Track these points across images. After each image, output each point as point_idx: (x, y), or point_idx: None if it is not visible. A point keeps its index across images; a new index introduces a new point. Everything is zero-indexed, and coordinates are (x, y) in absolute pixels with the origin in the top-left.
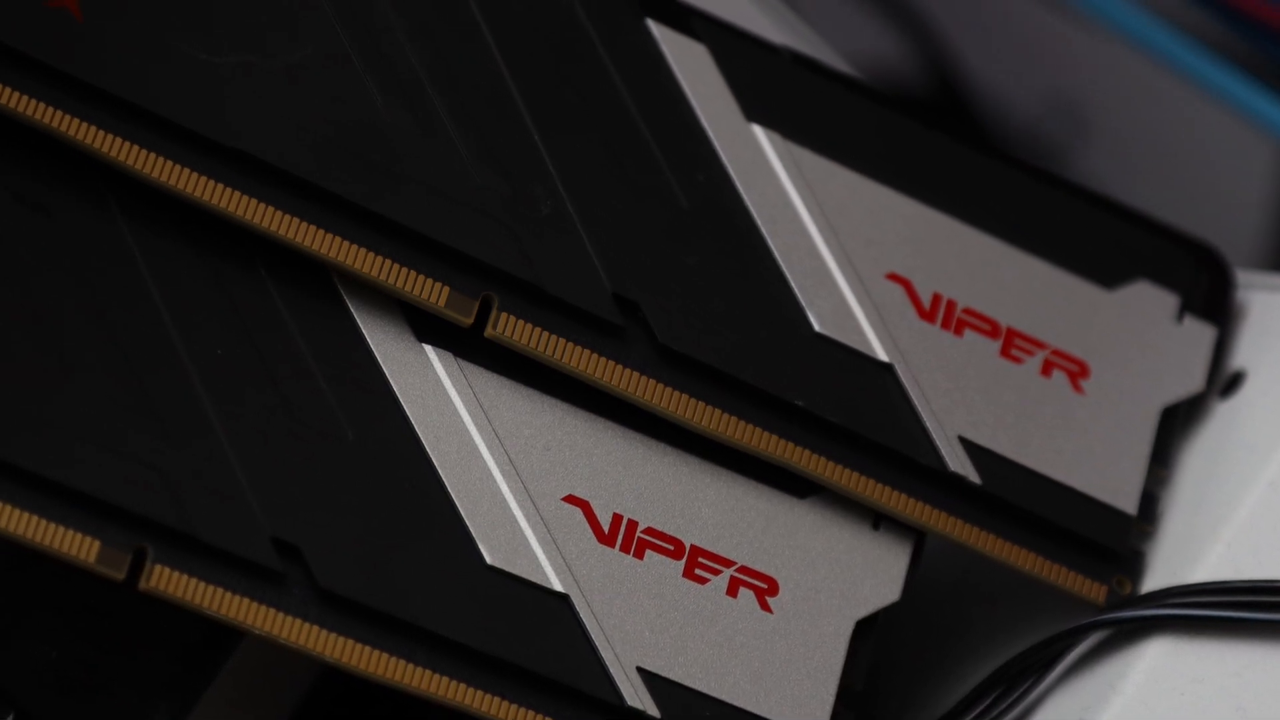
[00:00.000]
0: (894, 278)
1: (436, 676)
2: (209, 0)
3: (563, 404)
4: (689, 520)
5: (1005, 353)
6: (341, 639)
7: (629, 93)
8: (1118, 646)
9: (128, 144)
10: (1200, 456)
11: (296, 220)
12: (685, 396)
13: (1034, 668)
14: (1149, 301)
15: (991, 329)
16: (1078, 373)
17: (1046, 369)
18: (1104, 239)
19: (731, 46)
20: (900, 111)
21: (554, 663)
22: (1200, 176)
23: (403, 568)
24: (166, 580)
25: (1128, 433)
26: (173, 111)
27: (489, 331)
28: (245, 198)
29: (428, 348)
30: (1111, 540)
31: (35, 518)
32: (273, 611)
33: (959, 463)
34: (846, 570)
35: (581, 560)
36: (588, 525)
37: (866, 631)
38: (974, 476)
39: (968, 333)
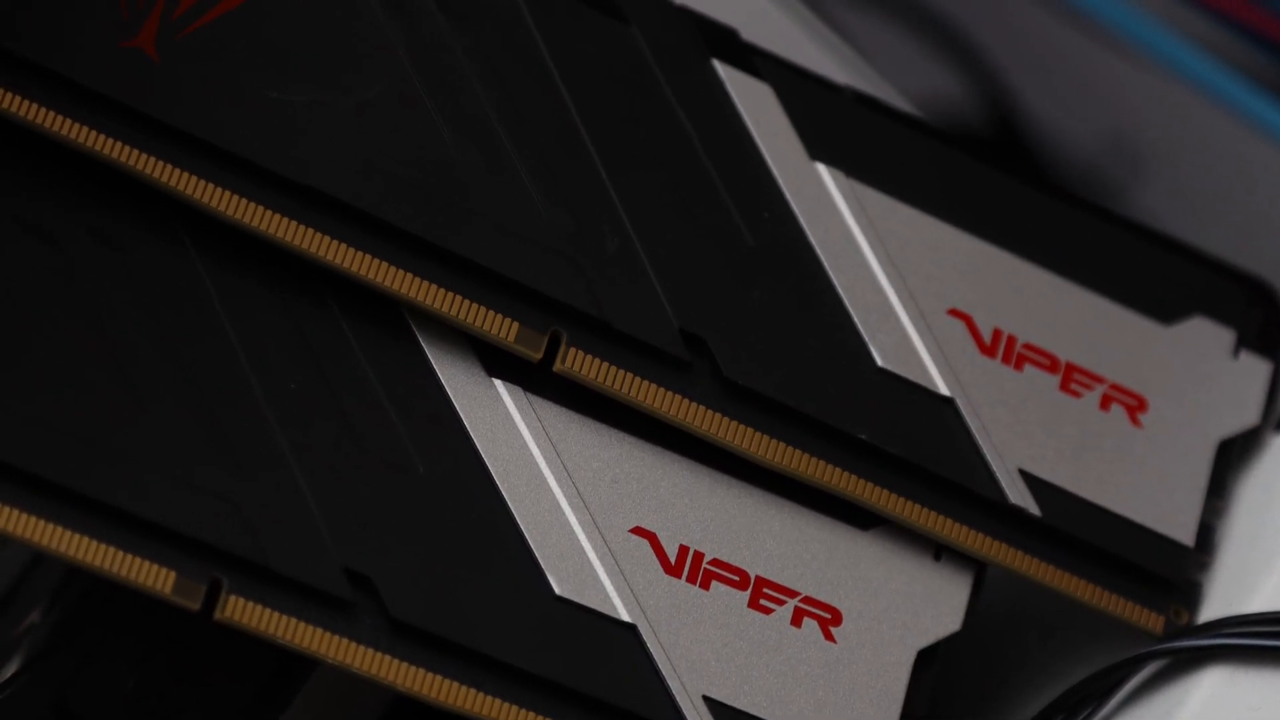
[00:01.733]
0: (955, 313)
1: (506, 705)
2: (282, 40)
3: (630, 437)
4: (754, 551)
5: (1064, 387)
6: (412, 668)
7: (695, 131)
8: (1175, 675)
9: (201, 181)
10: (1256, 489)
11: (368, 256)
12: (750, 430)
13: (1093, 696)
14: (1205, 336)
15: (1051, 364)
16: (1135, 407)
17: (1105, 403)
18: (1161, 275)
19: (795, 86)
20: (961, 149)
21: (621, 691)
22: (1256, 213)
23: (472, 598)
24: (241, 610)
25: (1184, 465)
26: (245, 149)
27: (557, 366)
28: (317, 234)
29: (497, 382)
30: (1169, 571)
31: (112, 549)
32: (345, 641)
33: (1019, 495)
34: (909, 600)
35: (648, 591)
36: (654, 556)
37: (928, 661)
38: (1034, 509)
39: (1028, 367)
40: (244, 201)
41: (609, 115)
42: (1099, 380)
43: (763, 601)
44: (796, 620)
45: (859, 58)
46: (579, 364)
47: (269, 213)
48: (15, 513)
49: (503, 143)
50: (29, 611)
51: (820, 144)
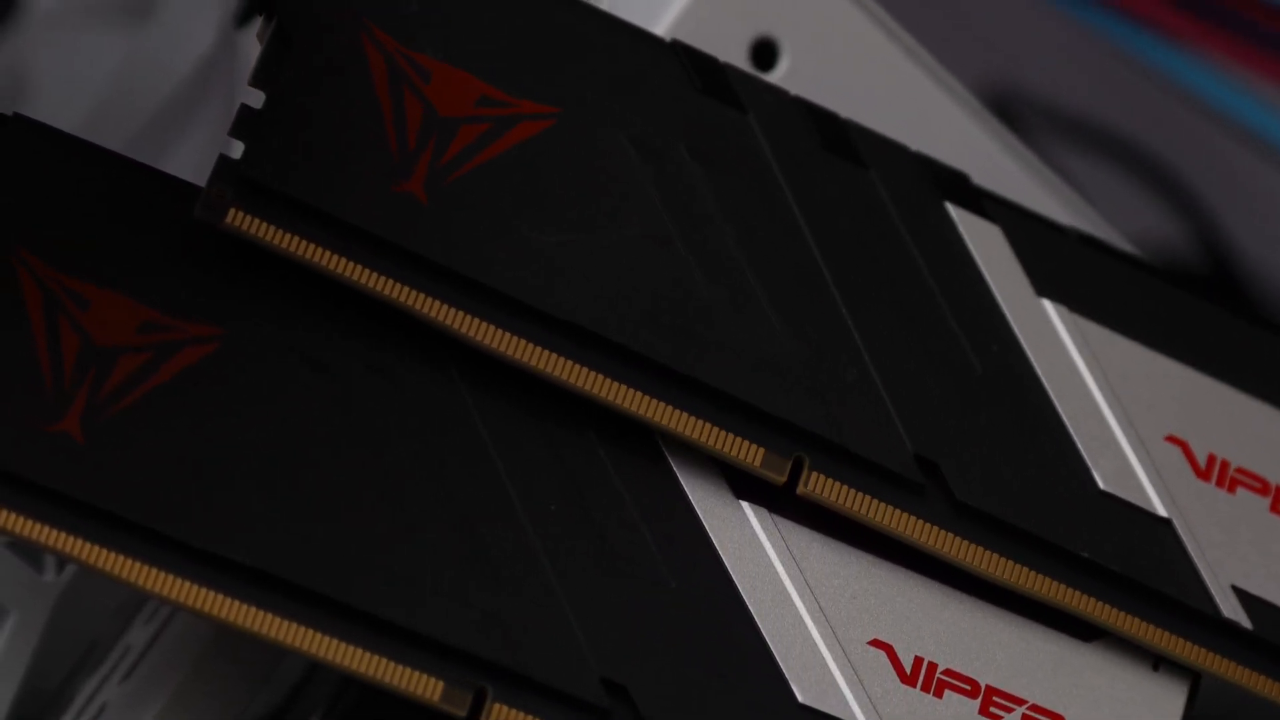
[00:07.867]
0: (1172, 439)
1: None
2: (542, 183)
3: (868, 555)
4: (984, 662)
5: (1275, 509)
6: None
7: (928, 269)
8: None
9: (467, 316)
10: None
11: (623, 386)
12: (981, 549)
13: None
14: None
15: (1262, 487)
16: None
17: None
18: None
19: (1023, 227)
20: (1177, 285)
21: None
22: None
23: (720, 705)
24: (505, 718)
25: None
26: (508, 286)
27: (800, 490)
28: (576, 365)
29: (744, 504)
30: None
31: (385, 660)
32: None
33: (1232, 610)
34: (1128, 708)
35: (886, 699)
36: (891, 667)
37: None
38: (1246, 622)
39: (1240, 490)
40: (507, 335)
41: (848, 253)
42: None
43: (993, 709)
44: None
45: (1082, 200)
46: (821, 487)
47: (531, 346)
48: (295, 626)
49: (748, 279)
50: (308, 717)
51: (1046, 281)
